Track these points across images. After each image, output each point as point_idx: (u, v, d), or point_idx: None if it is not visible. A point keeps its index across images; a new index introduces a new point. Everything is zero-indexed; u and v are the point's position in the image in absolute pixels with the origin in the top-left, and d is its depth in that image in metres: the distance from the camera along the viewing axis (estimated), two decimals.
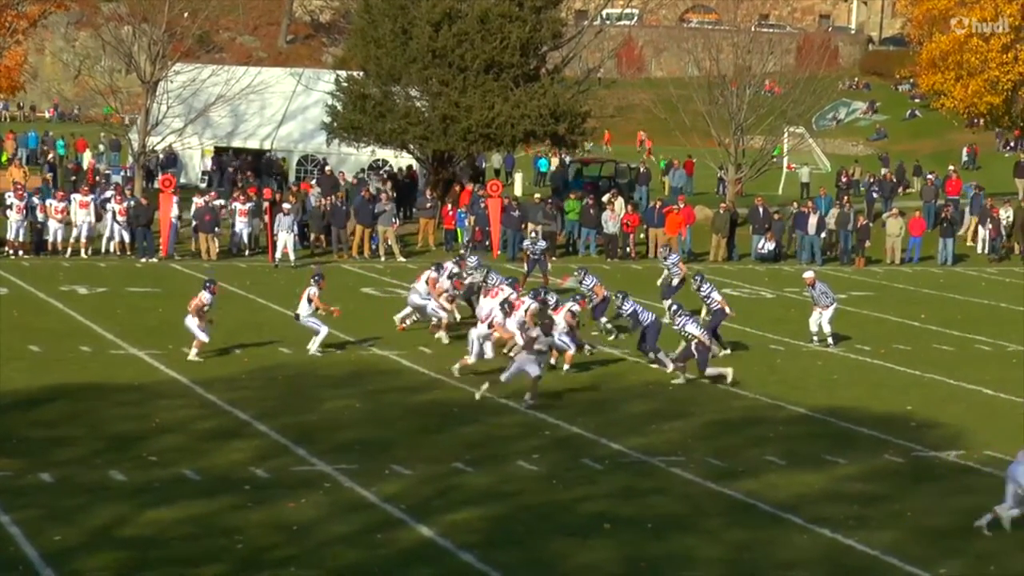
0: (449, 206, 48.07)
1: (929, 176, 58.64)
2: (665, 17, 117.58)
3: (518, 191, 59.30)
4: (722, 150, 55.35)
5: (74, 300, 34.53)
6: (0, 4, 57.26)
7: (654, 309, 30.05)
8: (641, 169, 60.77)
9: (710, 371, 26.90)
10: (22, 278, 37.45)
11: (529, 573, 16.40)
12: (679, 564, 16.89)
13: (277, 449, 21.20)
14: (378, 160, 56.27)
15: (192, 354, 27.45)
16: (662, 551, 17.26)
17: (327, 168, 53.97)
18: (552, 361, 27.43)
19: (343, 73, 53.89)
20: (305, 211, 45.66)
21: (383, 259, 44.20)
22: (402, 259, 44.41)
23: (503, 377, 24.87)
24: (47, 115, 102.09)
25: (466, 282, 32.00)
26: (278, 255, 42.14)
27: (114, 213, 43.31)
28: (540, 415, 24.03)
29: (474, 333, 27.34)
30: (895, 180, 60.37)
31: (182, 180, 54.89)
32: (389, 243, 45.04)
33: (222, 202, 45.44)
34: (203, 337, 27.51)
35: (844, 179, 63.50)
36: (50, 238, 42.68)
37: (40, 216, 42.58)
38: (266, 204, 44.23)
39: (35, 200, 42.84)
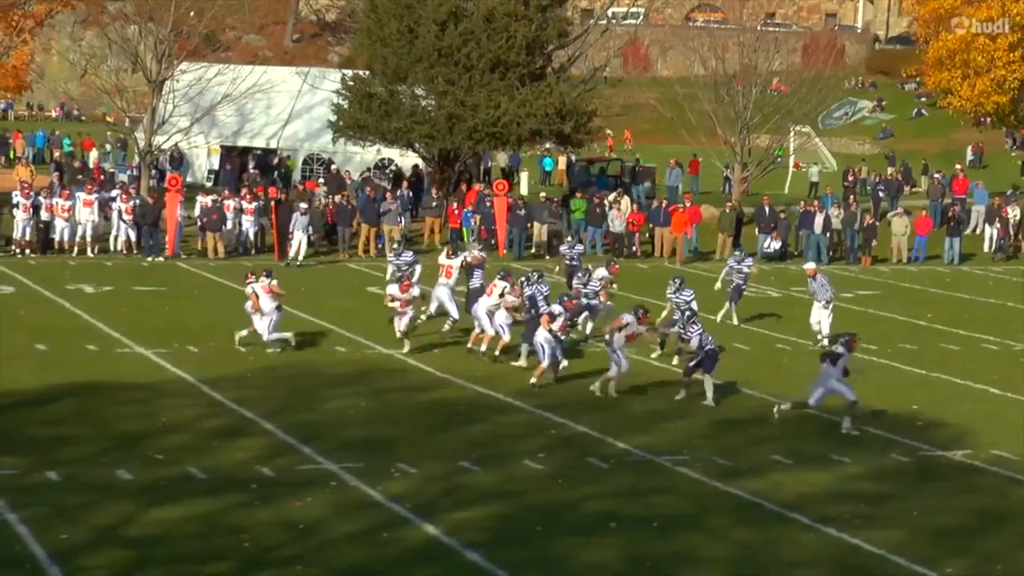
0: (455, 205, 48.06)
1: (936, 175, 58.57)
2: (671, 16, 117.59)
3: (524, 190, 59.30)
4: (728, 149, 55.31)
5: (80, 299, 34.55)
6: (7, 3, 57.20)
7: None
8: (637, 167, 60.55)
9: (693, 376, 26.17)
10: (29, 277, 37.48)
11: (535, 572, 16.40)
12: (684, 563, 16.89)
13: (283, 448, 21.21)
14: (384, 159, 56.33)
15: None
16: (667, 550, 17.26)
17: (333, 167, 54.00)
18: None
19: (349, 72, 53.98)
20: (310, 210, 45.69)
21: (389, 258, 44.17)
22: None
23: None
24: (54, 114, 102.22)
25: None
26: (291, 254, 42.21)
27: (120, 212, 43.35)
28: (545, 414, 24.05)
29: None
30: (901, 179, 60.31)
31: (188, 179, 54.89)
32: (395, 242, 44.99)
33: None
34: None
35: (850, 178, 63.48)
36: (56, 237, 42.72)
37: (46, 215, 42.63)
38: (272, 203, 44.29)
39: (41, 199, 42.88)
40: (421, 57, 49.55)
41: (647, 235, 49.06)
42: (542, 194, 51.27)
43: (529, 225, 47.45)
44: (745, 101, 54.08)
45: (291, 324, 30.56)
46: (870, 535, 17.98)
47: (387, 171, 55.14)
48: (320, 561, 16.29)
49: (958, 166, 63.44)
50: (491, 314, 28.41)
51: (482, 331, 28.57)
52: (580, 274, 32.19)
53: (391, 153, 55.44)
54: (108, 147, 68.33)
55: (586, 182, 55.78)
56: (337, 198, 46.10)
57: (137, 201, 43.95)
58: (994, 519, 19.09)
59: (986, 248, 51.47)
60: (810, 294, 32.23)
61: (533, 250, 47.28)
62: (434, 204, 48.30)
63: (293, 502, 18.39)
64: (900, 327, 34.71)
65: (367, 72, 52.17)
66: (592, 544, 17.33)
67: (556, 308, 27.34)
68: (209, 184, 54.96)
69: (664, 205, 48.60)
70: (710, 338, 25.97)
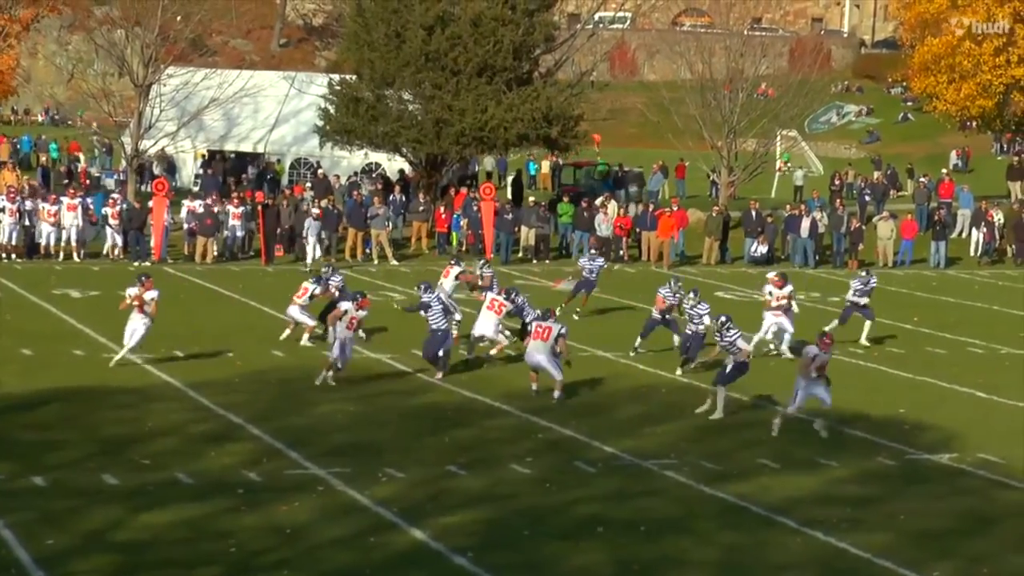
0: (442, 209, 48.08)
1: (922, 179, 58.73)
2: (658, 20, 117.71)
3: (511, 195, 59.29)
4: (715, 153, 55.39)
5: (67, 303, 34.51)
6: None
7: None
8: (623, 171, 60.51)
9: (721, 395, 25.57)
10: (15, 281, 37.43)
11: None
12: (672, 567, 16.90)
13: (270, 452, 21.19)
14: (371, 163, 56.36)
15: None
16: (655, 554, 17.26)
17: (320, 171, 54.02)
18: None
19: (336, 76, 54.01)
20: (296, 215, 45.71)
21: (376, 262, 44.18)
22: (394, 262, 44.40)
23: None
24: (40, 118, 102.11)
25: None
26: (309, 260, 42.20)
27: (107, 217, 43.32)
28: (533, 418, 24.05)
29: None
30: (887, 183, 60.45)
31: (175, 183, 54.88)
32: (382, 246, 45.04)
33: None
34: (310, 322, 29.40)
35: (837, 182, 63.63)
36: (42, 241, 42.68)
37: (32, 220, 42.60)
38: (259, 207, 44.31)
39: (27, 204, 42.83)
40: (408, 62, 49.57)
41: (634, 240, 49.10)
42: (530, 198, 51.32)
43: (516, 229, 47.47)
44: (732, 105, 54.19)
45: (279, 329, 30.58)
46: (857, 538, 17.99)
47: (375, 175, 55.15)
48: (307, 566, 16.27)
49: (944, 170, 63.61)
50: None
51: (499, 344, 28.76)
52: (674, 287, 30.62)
53: (378, 157, 55.47)
54: (95, 152, 68.29)
55: (592, 187, 55.54)
56: (324, 203, 46.07)
57: (124, 206, 43.92)
58: (980, 522, 19.11)
59: (972, 252, 51.59)
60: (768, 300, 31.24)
61: (520, 254, 47.29)
62: (421, 209, 48.32)
63: (280, 507, 18.36)
64: (886, 330, 34.73)
65: (354, 76, 52.18)
66: (579, 548, 17.33)
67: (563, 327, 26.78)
68: (196, 188, 54.95)
69: (651, 209, 48.64)
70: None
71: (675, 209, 49.06)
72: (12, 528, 17.02)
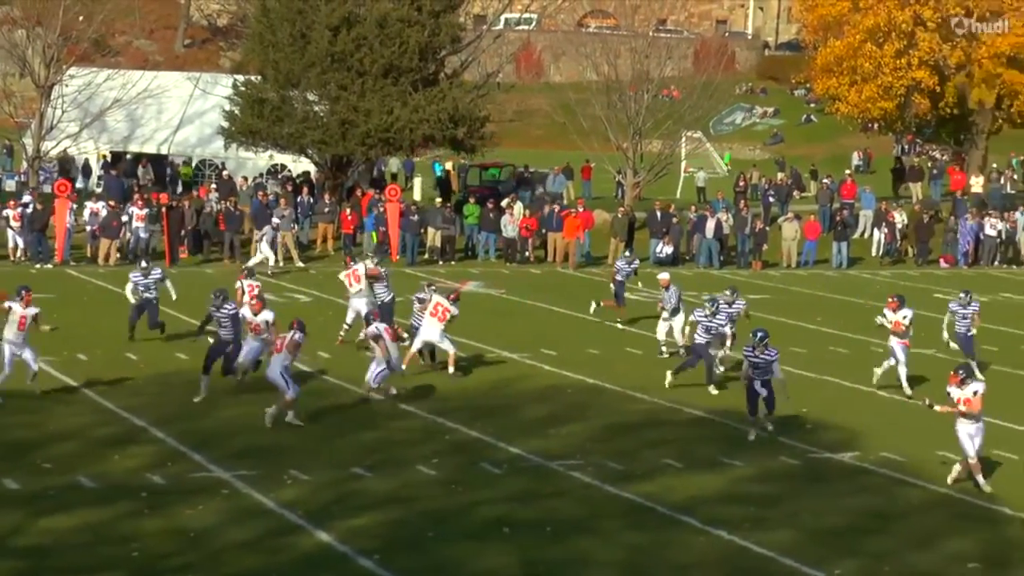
0: (348, 211, 47.92)
1: (825, 180, 59.26)
2: (563, 22, 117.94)
3: (417, 196, 59.27)
4: (620, 154, 55.59)
5: None
6: None
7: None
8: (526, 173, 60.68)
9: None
10: None
11: None
12: (577, 567, 16.96)
13: (174, 455, 21.06)
14: (276, 165, 56.12)
15: None
16: (560, 554, 17.32)
17: (225, 173, 53.72)
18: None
19: (240, 77, 53.72)
20: (200, 216, 45.44)
21: (281, 264, 43.97)
22: (300, 264, 44.22)
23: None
24: None
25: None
26: (272, 262, 42.07)
27: (8, 219, 42.87)
28: (439, 419, 24.05)
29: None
30: (791, 184, 60.95)
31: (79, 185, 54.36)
32: (288, 248, 44.82)
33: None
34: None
35: (741, 183, 64.04)
36: None
37: None
38: (163, 209, 43.99)
39: None
40: (313, 62, 49.39)
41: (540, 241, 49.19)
42: (436, 200, 51.26)
43: (422, 230, 47.43)
44: (637, 106, 54.45)
45: (180, 331, 30.38)
46: (760, 537, 18.15)
47: (281, 177, 54.92)
48: (211, 569, 16.20)
49: (847, 171, 64.22)
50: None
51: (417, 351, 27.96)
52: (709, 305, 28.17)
53: (284, 159, 55.26)
54: None
55: (512, 188, 55.55)
56: (227, 203, 45.77)
57: (25, 208, 43.45)
58: (882, 519, 19.34)
59: (873, 252, 52.13)
60: (661, 304, 31.03)
61: (426, 255, 47.24)
62: (327, 210, 48.15)
63: (184, 510, 18.26)
64: (790, 331, 35.01)
65: (259, 77, 51.92)
66: (485, 549, 17.36)
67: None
68: (99, 190, 54.44)
69: (557, 210, 48.75)
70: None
71: (581, 210, 49.20)
72: None
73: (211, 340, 26.71)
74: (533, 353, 30.24)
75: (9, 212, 42.94)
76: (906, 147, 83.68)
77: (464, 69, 54.78)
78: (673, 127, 57.93)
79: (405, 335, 28.43)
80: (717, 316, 27.48)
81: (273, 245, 43.27)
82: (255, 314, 25.44)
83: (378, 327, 25.15)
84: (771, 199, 56.20)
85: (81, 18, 54.66)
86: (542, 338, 32.16)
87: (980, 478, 20.90)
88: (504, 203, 49.15)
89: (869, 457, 22.70)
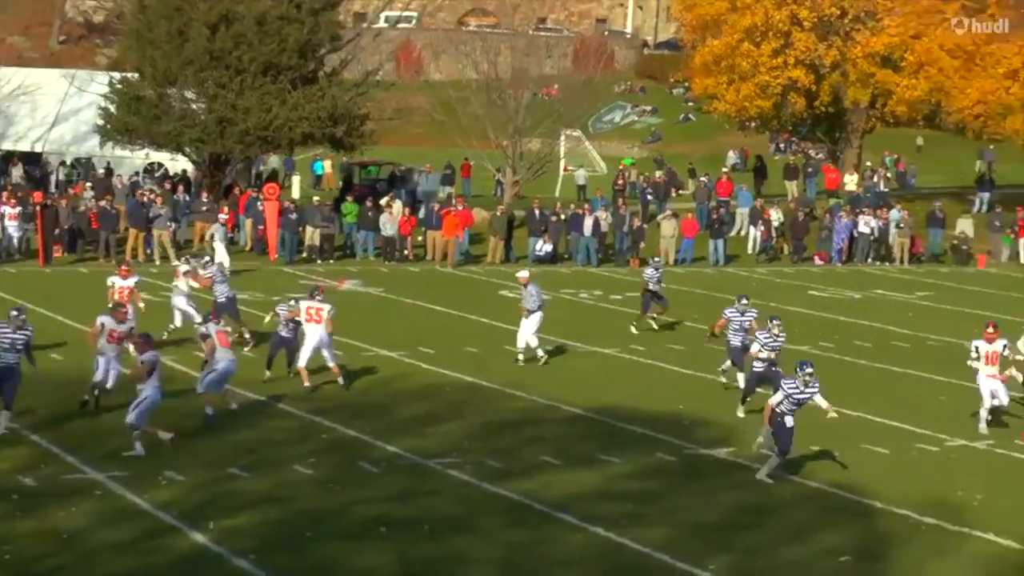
0: (226, 209, 47.58)
1: (702, 178, 59.75)
2: (444, 20, 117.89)
3: (296, 194, 59.02)
4: (500, 152, 55.71)
5: None
6: None
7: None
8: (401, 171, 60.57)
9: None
10: None
11: None
12: (455, 565, 16.99)
13: (47, 457, 20.81)
14: (153, 163, 55.63)
15: None
16: (438, 553, 17.34)
17: (100, 171, 53.16)
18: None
19: (117, 75, 53.16)
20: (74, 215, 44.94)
21: (158, 263, 43.59)
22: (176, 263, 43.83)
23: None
24: None
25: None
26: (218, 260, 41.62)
27: None
28: (316, 418, 23.98)
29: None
30: (668, 182, 61.37)
31: None
32: (164, 247, 44.45)
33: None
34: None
35: (620, 181, 64.38)
36: None
37: None
38: (38, 208, 43.44)
39: None
40: (191, 60, 49.05)
41: (419, 238, 49.14)
42: (315, 198, 51.08)
43: (301, 229, 47.21)
44: (517, 105, 54.64)
45: (57, 332, 30.02)
46: (636, 533, 18.27)
47: (157, 175, 54.46)
48: (85, 571, 16.06)
49: (724, 169, 64.81)
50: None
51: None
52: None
53: (161, 157, 54.78)
54: None
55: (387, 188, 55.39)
56: (102, 202, 45.26)
57: None
58: (756, 514, 19.55)
59: (750, 249, 52.67)
60: (520, 301, 31.00)
61: (304, 254, 47.02)
62: (204, 208, 47.77)
63: (57, 512, 18.06)
64: (667, 328, 35.26)
65: (136, 75, 51.45)
66: (363, 549, 17.34)
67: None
68: None
69: (436, 209, 48.76)
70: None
71: (460, 208, 49.23)
72: None
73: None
74: (411, 352, 30.25)
75: None
76: (781, 145, 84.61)
77: (344, 67, 54.67)
78: (552, 125, 58.18)
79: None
80: (780, 337, 25.58)
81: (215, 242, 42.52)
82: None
83: (208, 328, 24.88)
84: (649, 197, 56.54)
85: None
86: (420, 337, 32.17)
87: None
88: (383, 201, 49.06)
89: (744, 453, 22.92)
